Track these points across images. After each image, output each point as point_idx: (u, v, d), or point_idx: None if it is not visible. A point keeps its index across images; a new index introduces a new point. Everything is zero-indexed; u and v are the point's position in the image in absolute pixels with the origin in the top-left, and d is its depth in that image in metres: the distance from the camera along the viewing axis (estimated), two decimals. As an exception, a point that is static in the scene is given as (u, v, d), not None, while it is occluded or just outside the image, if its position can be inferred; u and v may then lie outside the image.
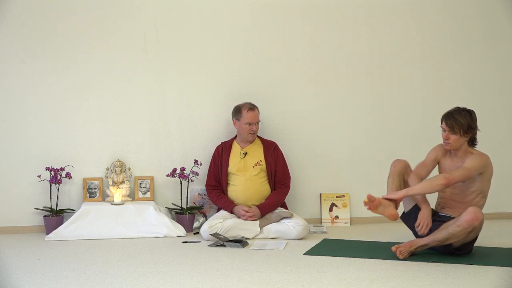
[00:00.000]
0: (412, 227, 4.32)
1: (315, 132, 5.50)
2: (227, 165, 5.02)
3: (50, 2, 5.13)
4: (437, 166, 4.36)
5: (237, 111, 5.03)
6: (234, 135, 5.16)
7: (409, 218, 4.32)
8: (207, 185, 5.11)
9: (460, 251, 4.09)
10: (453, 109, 4.22)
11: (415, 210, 4.27)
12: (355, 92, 5.54)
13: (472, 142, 4.23)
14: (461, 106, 4.20)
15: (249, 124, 4.98)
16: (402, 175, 4.31)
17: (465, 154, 4.21)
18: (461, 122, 4.12)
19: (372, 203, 4.10)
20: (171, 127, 5.31)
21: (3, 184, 5.10)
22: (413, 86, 5.61)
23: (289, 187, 5.09)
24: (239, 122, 5.01)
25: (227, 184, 5.03)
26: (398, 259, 4.03)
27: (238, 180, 4.99)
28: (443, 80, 5.65)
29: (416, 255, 4.10)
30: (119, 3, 5.23)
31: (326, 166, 5.50)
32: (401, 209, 4.40)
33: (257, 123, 5.02)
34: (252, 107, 5.01)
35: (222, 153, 5.06)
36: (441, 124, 4.23)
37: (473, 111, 4.23)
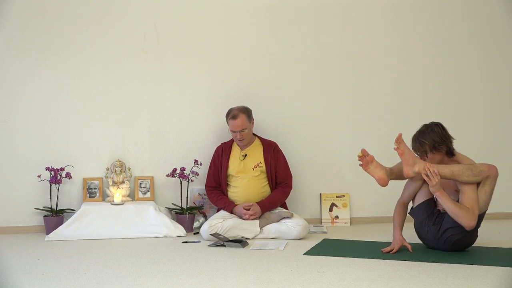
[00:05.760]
0: (416, 224, 4.33)
1: (315, 132, 5.50)
2: (227, 167, 5.01)
3: (50, 2, 5.14)
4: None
5: (226, 117, 5.00)
6: (234, 136, 5.17)
7: (416, 213, 4.34)
8: (206, 186, 5.10)
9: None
10: (418, 130, 4.22)
11: (422, 206, 4.31)
12: (355, 93, 5.54)
13: (451, 152, 4.22)
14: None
15: (233, 132, 4.95)
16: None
17: (449, 163, 4.22)
18: (425, 143, 4.12)
19: (364, 158, 4.21)
20: (171, 127, 5.31)
21: (3, 184, 5.10)
22: (414, 87, 5.61)
23: (291, 187, 5.08)
24: (228, 128, 5.00)
25: (227, 185, 5.03)
26: (398, 259, 4.03)
27: (238, 182, 4.98)
28: (443, 81, 5.65)
29: (416, 255, 4.10)
30: (119, 3, 5.23)
31: (326, 166, 5.51)
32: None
33: (242, 130, 4.92)
34: (234, 116, 4.89)
35: (222, 154, 5.05)
36: None
37: (438, 124, 4.21)
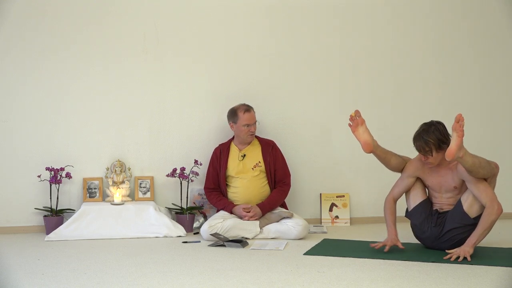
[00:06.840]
0: (415, 225, 4.32)
1: (315, 132, 5.50)
2: (226, 168, 5.01)
3: (50, 2, 5.14)
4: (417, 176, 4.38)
5: (233, 114, 5.00)
6: (232, 136, 5.15)
7: (413, 215, 4.33)
8: (205, 188, 5.10)
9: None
10: (420, 129, 4.18)
11: (419, 208, 4.31)
12: (355, 93, 5.54)
13: None
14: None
15: (247, 126, 4.95)
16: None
17: (447, 163, 4.21)
18: (430, 142, 4.08)
19: (356, 119, 4.23)
20: (171, 127, 5.31)
21: (3, 184, 5.10)
22: (414, 87, 5.61)
23: (289, 185, 5.08)
24: (237, 125, 4.99)
25: (226, 186, 5.03)
26: (398, 259, 4.03)
27: (238, 182, 4.98)
28: (443, 81, 5.65)
29: (416, 255, 4.10)
30: (119, 3, 5.23)
31: (326, 166, 5.51)
32: (403, 207, 4.45)
33: (255, 123, 5.00)
34: (248, 108, 4.97)
35: (220, 156, 5.05)
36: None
37: (440, 123, 4.19)
